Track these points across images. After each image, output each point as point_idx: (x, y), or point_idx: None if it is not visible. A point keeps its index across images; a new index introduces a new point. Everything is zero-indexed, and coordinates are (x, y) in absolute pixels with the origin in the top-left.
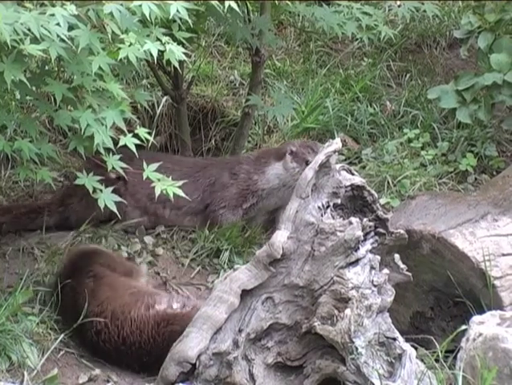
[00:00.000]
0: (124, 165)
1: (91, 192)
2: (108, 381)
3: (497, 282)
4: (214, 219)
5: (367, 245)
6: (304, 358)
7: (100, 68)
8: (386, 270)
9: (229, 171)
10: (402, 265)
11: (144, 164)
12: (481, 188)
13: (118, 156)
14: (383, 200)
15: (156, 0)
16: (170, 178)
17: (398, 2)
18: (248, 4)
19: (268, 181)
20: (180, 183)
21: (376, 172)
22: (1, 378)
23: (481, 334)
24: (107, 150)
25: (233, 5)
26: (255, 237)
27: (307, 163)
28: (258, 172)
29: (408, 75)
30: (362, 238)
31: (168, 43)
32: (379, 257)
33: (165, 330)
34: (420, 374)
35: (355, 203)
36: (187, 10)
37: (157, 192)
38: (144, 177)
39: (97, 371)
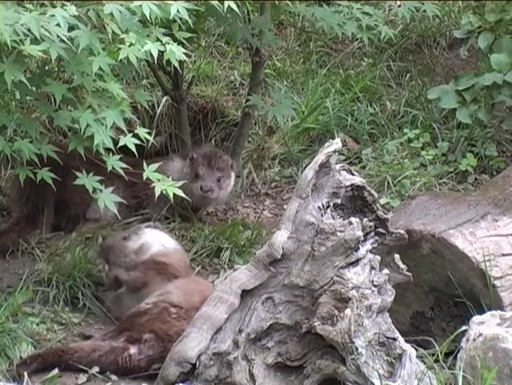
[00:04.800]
0: (124, 165)
1: (90, 192)
2: (107, 381)
3: (497, 282)
4: None
5: (368, 245)
6: (304, 359)
7: (100, 68)
8: (386, 270)
9: None
10: (402, 266)
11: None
12: (482, 188)
13: (118, 157)
14: (383, 200)
15: (157, 0)
16: None
17: (398, 2)
18: (248, 4)
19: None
20: (180, 183)
21: (376, 172)
22: (1, 378)
23: (481, 334)
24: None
25: (233, 5)
26: (256, 237)
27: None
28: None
29: (408, 75)
30: (362, 238)
31: (169, 43)
32: (379, 257)
33: None
34: (420, 375)
35: (355, 203)
36: (187, 10)
37: (157, 193)
38: (145, 177)
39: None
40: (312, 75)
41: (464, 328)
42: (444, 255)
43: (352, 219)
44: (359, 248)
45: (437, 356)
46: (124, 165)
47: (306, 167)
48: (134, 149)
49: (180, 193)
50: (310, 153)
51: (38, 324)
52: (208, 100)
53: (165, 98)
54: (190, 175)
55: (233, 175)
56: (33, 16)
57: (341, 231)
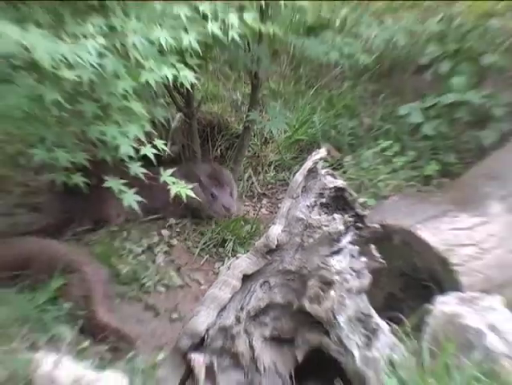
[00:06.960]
0: (145, 171)
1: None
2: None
3: (456, 268)
4: None
5: (348, 237)
6: (295, 332)
7: (125, 90)
8: (364, 258)
9: None
10: (377, 254)
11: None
12: (444, 189)
13: (139, 163)
14: (361, 200)
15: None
16: None
17: (374, 33)
18: (248, 36)
19: None
20: (191, 186)
21: (356, 176)
22: (42, 349)
23: (443, 312)
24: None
25: (236, 36)
26: (255, 230)
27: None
28: None
29: (382, 95)
30: (343, 231)
31: (182, 69)
32: (358, 247)
33: None
34: (392, 345)
35: (338, 202)
36: (197, 41)
37: (172, 194)
38: (161, 180)
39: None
40: (302, 95)
41: (429, 306)
42: (412, 245)
43: (335, 215)
44: (341, 239)
45: (407, 330)
46: (145, 170)
47: (296, 172)
48: (153, 157)
49: (193, 194)
50: (300, 160)
51: (71, 306)
52: (214, 116)
53: (179, 114)
54: (206, 196)
55: (235, 184)
56: (68, 46)
57: (326, 225)
